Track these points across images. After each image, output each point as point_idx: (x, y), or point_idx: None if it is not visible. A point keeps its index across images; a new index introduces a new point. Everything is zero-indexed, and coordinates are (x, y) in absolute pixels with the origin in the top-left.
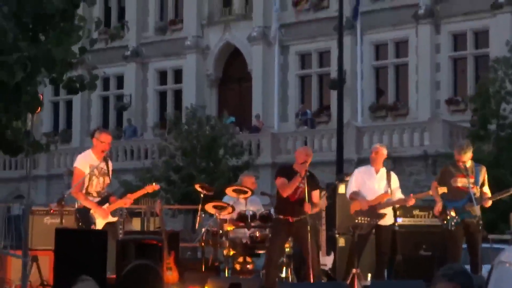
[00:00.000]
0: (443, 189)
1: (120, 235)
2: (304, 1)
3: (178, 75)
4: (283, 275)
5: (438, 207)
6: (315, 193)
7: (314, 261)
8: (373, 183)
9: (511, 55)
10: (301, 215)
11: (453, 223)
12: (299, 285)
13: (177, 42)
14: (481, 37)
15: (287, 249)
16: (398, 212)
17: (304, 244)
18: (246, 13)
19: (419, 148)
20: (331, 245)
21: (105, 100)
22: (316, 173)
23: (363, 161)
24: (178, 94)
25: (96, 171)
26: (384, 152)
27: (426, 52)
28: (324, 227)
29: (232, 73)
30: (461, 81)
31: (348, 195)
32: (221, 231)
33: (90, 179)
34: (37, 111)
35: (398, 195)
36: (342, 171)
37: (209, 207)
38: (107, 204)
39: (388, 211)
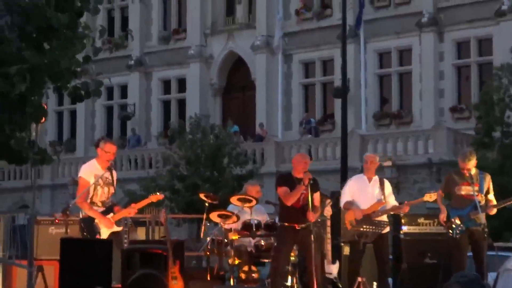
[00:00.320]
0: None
1: (125, 245)
2: (303, 6)
3: (181, 84)
4: (289, 283)
5: (443, 215)
6: (316, 196)
7: (317, 269)
8: (366, 192)
9: None
10: (306, 221)
11: (458, 231)
12: None
13: (181, 51)
14: (485, 44)
15: (292, 258)
16: (403, 221)
17: (308, 252)
18: (250, 22)
19: (423, 156)
20: (337, 253)
21: (109, 110)
22: (321, 182)
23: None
24: (182, 103)
25: (100, 181)
26: (377, 160)
27: (430, 60)
28: (329, 236)
29: (236, 82)
30: (465, 88)
31: (342, 205)
32: (226, 240)
33: (94, 188)
34: (41, 121)
35: (392, 202)
36: (346, 179)
37: (213, 216)
38: (111, 214)
39: (384, 219)
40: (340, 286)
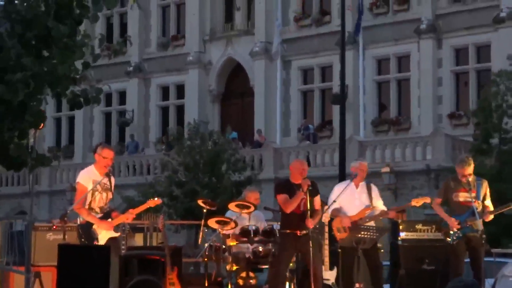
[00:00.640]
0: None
1: (123, 251)
2: (301, 12)
3: (180, 90)
4: None
5: (453, 221)
6: (317, 199)
7: (317, 276)
8: (354, 198)
9: None
10: (307, 228)
11: (455, 238)
12: None
13: (179, 57)
14: (483, 51)
15: (290, 264)
16: (401, 227)
17: (308, 259)
18: (248, 28)
19: (421, 162)
20: (334, 259)
21: (108, 116)
22: (319, 188)
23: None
24: (180, 110)
25: (99, 187)
26: (367, 167)
27: (428, 67)
28: (327, 242)
29: (234, 88)
30: (463, 95)
31: (329, 212)
32: (224, 246)
33: (92, 194)
34: (40, 127)
35: (381, 206)
36: None
37: (212, 222)
38: (109, 220)
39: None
40: None
